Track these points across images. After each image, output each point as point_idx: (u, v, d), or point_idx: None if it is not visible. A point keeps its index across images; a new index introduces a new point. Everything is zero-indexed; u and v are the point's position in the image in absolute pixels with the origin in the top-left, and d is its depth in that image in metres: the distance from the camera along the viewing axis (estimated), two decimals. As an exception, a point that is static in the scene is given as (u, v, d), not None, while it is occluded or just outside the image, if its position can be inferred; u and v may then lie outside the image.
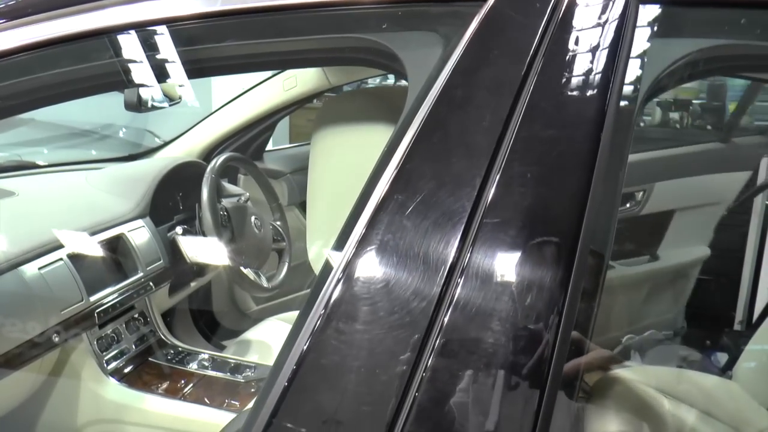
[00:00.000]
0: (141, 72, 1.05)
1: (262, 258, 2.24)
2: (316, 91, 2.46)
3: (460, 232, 0.61)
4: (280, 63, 0.97)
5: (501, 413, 0.59)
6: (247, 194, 2.27)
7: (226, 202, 2.14)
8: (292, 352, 0.63)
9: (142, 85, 1.51)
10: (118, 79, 1.02)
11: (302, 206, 2.92)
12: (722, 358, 1.69)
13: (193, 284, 2.30)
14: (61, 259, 1.68)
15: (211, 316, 2.69)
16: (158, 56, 0.99)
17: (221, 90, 3.31)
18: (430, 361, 0.60)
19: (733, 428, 1.23)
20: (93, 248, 1.81)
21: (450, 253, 0.61)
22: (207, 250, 2.14)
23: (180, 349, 2.01)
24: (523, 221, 0.61)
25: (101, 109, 4.84)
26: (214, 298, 2.69)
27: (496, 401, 0.59)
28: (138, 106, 1.62)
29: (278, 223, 2.40)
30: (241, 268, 2.06)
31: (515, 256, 0.60)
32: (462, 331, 0.60)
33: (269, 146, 2.95)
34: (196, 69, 0.98)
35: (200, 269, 2.25)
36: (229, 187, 2.24)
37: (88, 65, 1.01)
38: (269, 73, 2.51)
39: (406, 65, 0.75)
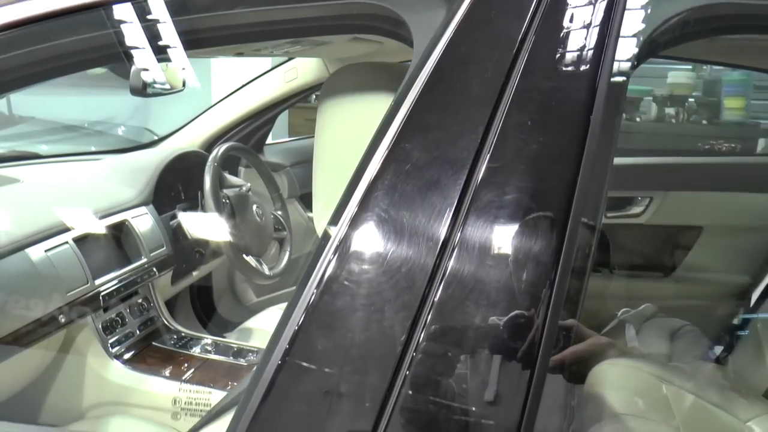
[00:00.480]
0: (143, 50, 1.07)
1: (263, 246, 2.26)
2: (316, 82, 2.48)
3: (462, 182, 0.64)
4: (285, 32, 0.98)
5: (493, 385, 0.62)
6: (249, 185, 2.30)
7: (228, 191, 2.16)
8: (287, 327, 0.65)
9: (145, 69, 1.55)
10: (116, 51, 1.03)
11: (302, 199, 2.95)
12: (718, 349, 1.71)
13: (195, 273, 2.33)
14: (66, 242, 1.70)
15: (212, 308, 2.72)
16: (160, 32, 1.00)
17: (221, 83, 3.35)
18: (423, 334, 0.62)
19: (729, 414, 1.26)
20: (97, 233, 1.84)
21: (450, 209, 0.63)
22: (209, 237, 2.17)
23: (183, 334, 2.03)
24: (522, 171, 0.64)
25: (100, 108, 4.88)
26: (215, 289, 2.72)
27: (489, 375, 0.62)
28: (143, 90, 1.65)
29: (279, 212, 2.43)
30: (243, 255, 2.08)
31: (510, 219, 0.63)
32: (455, 297, 0.63)
33: (269, 140, 2.97)
34: (196, 40, 0.99)
35: (203, 257, 2.27)
36: (231, 179, 2.27)
37: (90, 36, 1.02)
38: (269, 66, 2.54)
39: (412, 29, 0.78)
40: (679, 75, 3.83)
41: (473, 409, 0.60)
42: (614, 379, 1.29)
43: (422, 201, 0.64)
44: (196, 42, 1.00)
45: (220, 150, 2.12)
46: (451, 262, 0.63)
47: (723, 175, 2.40)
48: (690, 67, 3.84)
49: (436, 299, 0.63)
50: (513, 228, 0.63)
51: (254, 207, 2.23)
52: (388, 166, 0.66)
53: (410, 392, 0.62)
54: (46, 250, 1.63)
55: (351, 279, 0.65)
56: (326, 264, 0.65)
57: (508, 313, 0.62)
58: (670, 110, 3.79)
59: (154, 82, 1.63)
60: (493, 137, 0.64)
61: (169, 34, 0.99)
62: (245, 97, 2.57)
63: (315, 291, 0.65)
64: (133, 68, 1.65)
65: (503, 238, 0.63)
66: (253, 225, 2.21)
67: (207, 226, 2.13)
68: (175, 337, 2.01)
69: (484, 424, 0.60)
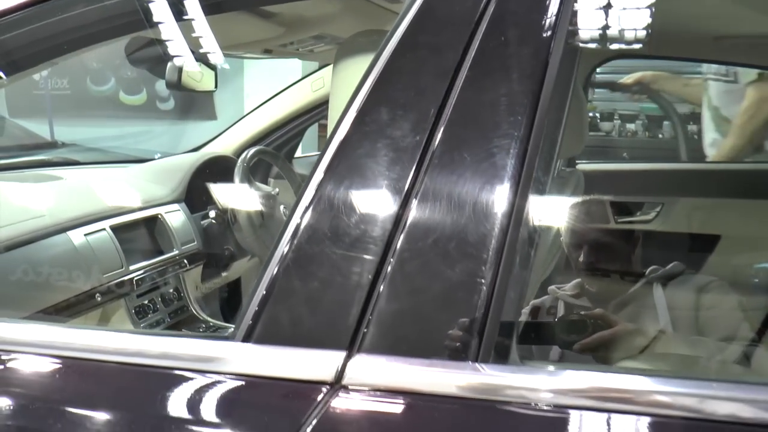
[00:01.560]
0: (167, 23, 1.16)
1: (290, 245, 2.35)
2: (342, 92, 2.58)
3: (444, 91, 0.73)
4: None
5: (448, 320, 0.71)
6: (277, 189, 2.40)
7: (256, 192, 2.27)
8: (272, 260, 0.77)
9: (178, 56, 1.67)
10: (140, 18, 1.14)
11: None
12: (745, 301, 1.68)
13: (224, 273, 2.42)
14: (104, 229, 1.82)
15: (240, 311, 2.79)
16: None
17: (252, 98, 3.49)
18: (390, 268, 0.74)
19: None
20: (133, 224, 1.96)
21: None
22: (238, 235, 2.27)
23: (211, 323, 2.12)
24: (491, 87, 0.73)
25: (137, 136, 5.05)
26: (244, 293, 2.80)
27: (445, 310, 0.72)
28: (178, 83, 1.78)
29: (305, 216, 2.51)
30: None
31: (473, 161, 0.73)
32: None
33: (298, 153, 3.08)
34: (215, 4, 1.09)
35: (232, 255, 2.37)
36: (260, 185, 2.37)
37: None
38: (299, 76, 2.66)
39: None
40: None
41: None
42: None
43: (409, 107, 0.73)
44: (213, 6, 1.09)
45: (249, 152, 2.24)
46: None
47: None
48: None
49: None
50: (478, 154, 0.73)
51: (281, 207, 2.33)
52: (383, 89, 0.76)
53: (378, 319, 0.74)
54: (85, 234, 1.75)
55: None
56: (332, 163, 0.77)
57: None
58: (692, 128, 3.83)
59: (188, 74, 1.76)
60: (469, 60, 0.73)
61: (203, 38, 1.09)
62: (275, 107, 2.68)
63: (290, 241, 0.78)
64: (169, 64, 1.79)
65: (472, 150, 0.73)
66: (281, 224, 2.30)
67: (236, 224, 2.23)
68: (204, 326, 2.11)
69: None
